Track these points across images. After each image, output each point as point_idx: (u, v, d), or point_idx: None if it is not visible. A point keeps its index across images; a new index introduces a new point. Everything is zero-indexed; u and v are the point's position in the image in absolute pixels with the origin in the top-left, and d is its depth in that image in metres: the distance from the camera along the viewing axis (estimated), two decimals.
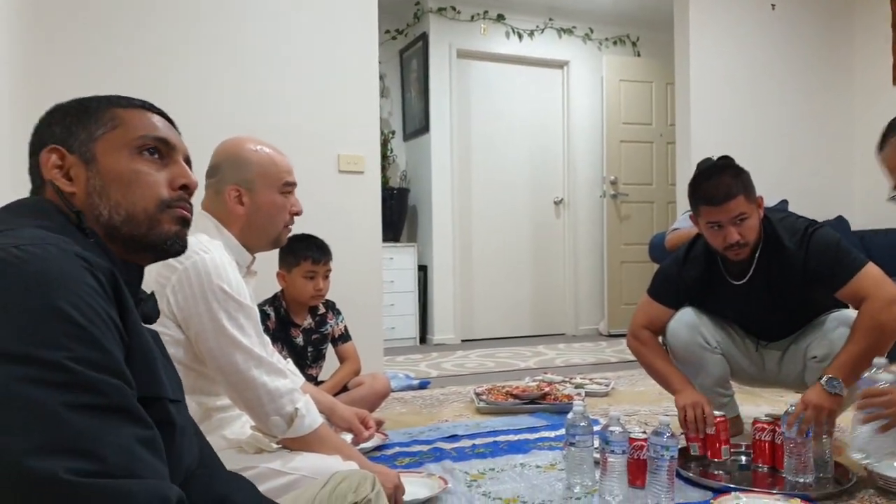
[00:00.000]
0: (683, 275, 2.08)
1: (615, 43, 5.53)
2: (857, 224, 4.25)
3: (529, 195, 5.38)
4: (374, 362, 2.97)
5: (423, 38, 4.95)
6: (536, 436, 2.25)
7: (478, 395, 2.73)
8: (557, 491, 1.71)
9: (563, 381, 3.13)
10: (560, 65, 5.43)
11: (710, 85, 4.10)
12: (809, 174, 4.34)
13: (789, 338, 2.07)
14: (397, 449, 2.08)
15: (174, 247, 0.82)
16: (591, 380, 3.17)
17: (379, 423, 2.02)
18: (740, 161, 2.02)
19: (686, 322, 2.06)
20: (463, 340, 4.99)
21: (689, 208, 3.87)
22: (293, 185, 1.53)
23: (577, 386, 3.04)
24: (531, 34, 5.26)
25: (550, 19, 5.29)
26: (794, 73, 4.34)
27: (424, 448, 2.09)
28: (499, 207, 5.27)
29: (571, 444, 1.70)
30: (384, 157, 4.89)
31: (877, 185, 4.34)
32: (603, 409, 2.59)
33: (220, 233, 1.44)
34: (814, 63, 4.40)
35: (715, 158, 3.73)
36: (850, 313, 1.90)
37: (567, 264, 5.46)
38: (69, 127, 0.80)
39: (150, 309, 0.79)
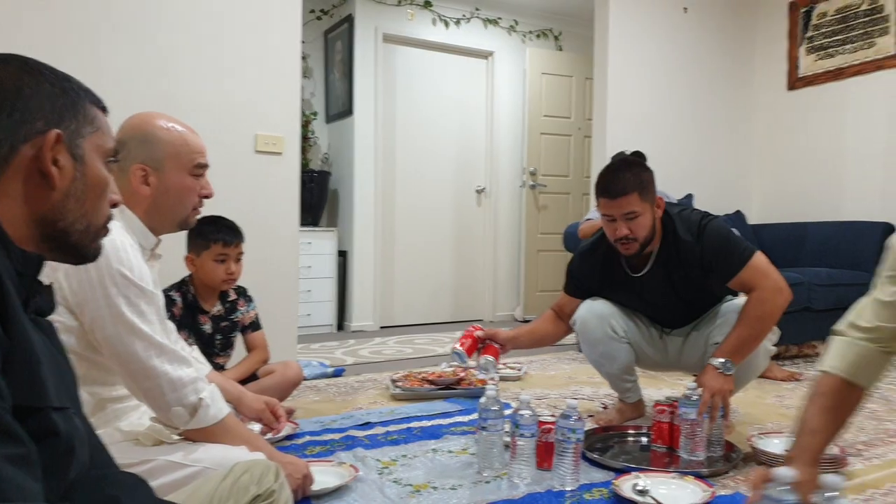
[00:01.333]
0: (584, 267, 2.22)
1: (538, 36, 5.61)
2: (753, 218, 4.51)
3: (452, 183, 5.41)
4: (288, 350, 2.91)
5: (349, 20, 4.87)
6: (450, 421, 2.27)
7: (393, 381, 2.74)
8: (468, 475, 1.74)
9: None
10: (485, 55, 5.46)
11: (627, 82, 4.23)
12: (713, 171, 4.57)
13: (690, 325, 2.18)
14: (308, 438, 2.06)
15: (97, 257, 0.82)
16: (504, 364, 3.22)
17: (289, 412, 1.99)
18: (651, 156, 2.11)
19: (596, 313, 2.15)
20: (382, 327, 4.98)
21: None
22: (205, 166, 1.48)
23: None
24: (458, 23, 5.26)
25: (477, 9, 5.31)
26: (703, 76, 4.54)
27: (336, 436, 2.07)
28: (422, 194, 5.26)
29: (483, 429, 1.73)
30: (305, 138, 4.79)
31: (771, 183, 4.64)
32: (515, 394, 2.64)
33: (121, 213, 1.37)
34: (720, 67, 4.61)
35: (628, 153, 3.88)
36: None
37: (486, 252, 5.53)
38: (61, 110, 0.73)
39: (44, 302, 0.74)
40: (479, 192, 5.50)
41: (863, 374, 1.25)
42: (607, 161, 3.90)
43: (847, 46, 4.15)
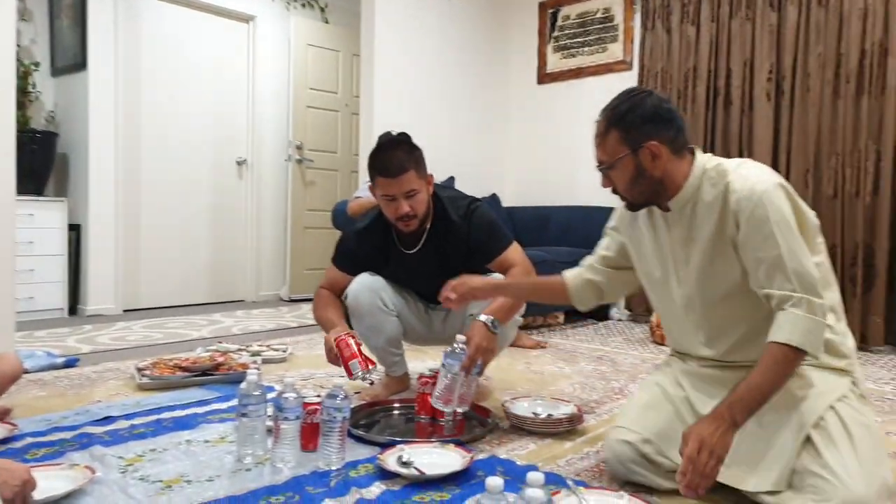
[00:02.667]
0: (362, 245, 2.22)
1: (303, 5, 5.41)
2: (506, 201, 4.89)
3: (210, 153, 5.02)
4: (3, 339, 2.47)
5: None
6: (206, 409, 2.10)
7: (140, 370, 2.46)
8: (227, 465, 1.62)
9: (240, 350, 3.00)
10: (245, 19, 5.13)
11: (394, 61, 4.27)
12: (473, 156, 4.84)
13: None
14: (29, 440, 1.75)
15: None
16: (268, 346, 3.10)
17: (4, 412, 1.68)
18: (416, 138, 2.14)
19: (367, 286, 2.17)
20: (125, 310, 4.47)
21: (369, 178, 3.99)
22: None
23: (254, 353, 2.94)
24: None
25: None
26: (465, 64, 4.77)
27: (67, 435, 1.80)
28: (173, 163, 4.80)
29: (243, 415, 1.63)
30: (23, 92, 4.08)
31: (522, 170, 5.07)
32: (279, 376, 2.54)
33: None
34: (480, 56, 4.89)
35: (395, 133, 3.91)
36: (499, 277, 2.17)
37: (249, 228, 5.25)
38: None
39: None
40: (240, 163, 5.19)
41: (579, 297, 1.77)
42: (374, 140, 3.93)
43: (585, 49, 4.66)
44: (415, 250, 2.17)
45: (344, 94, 5.47)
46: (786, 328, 1.28)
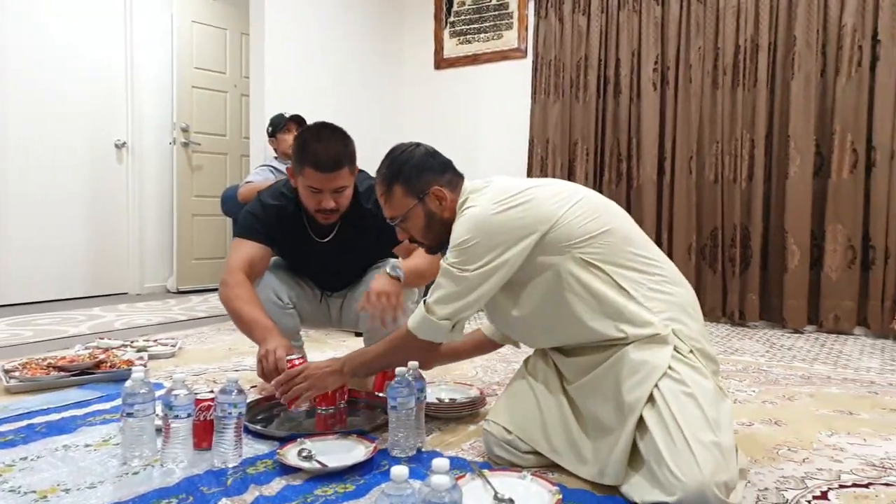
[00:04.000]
0: (269, 217, 2.05)
1: None
2: None
3: (85, 134, 4.65)
4: None
5: None
6: (86, 411, 1.94)
7: (7, 371, 2.24)
8: (111, 469, 1.50)
9: (123, 346, 2.81)
10: None
11: (285, 41, 4.12)
12: (370, 142, 4.74)
13: (347, 288, 2.23)
14: None
15: None
16: (155, 341, 2.92)
17: None
18: (310, 121, 2.06)
19: (262, 283, 2.07)
20: None
21: (263, 162, 3.86)
22: None
23: (140, 349, 2.76)
24: None
25: None
26: (360, 46, 4.67)
27: None
28: (43, 144, 4.40)
29: (129, 415, 1.51)
30: None
31: None
32: (168, 372, 2.40)
33: None
34: (376, 39, 4.81)
35: (287, 115, 3.79)
36: (385, 264, 2.04)
37: (131, 215, 4.92)
38: None
39: None
40: (119, 146, 4.84)
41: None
42: (265, 122, 3.79)
43: (482, 35, 4.69)
44: (327, 239, 2.07)
45: (232, 74, 5.22)
46: (413, 317, 1.51)
